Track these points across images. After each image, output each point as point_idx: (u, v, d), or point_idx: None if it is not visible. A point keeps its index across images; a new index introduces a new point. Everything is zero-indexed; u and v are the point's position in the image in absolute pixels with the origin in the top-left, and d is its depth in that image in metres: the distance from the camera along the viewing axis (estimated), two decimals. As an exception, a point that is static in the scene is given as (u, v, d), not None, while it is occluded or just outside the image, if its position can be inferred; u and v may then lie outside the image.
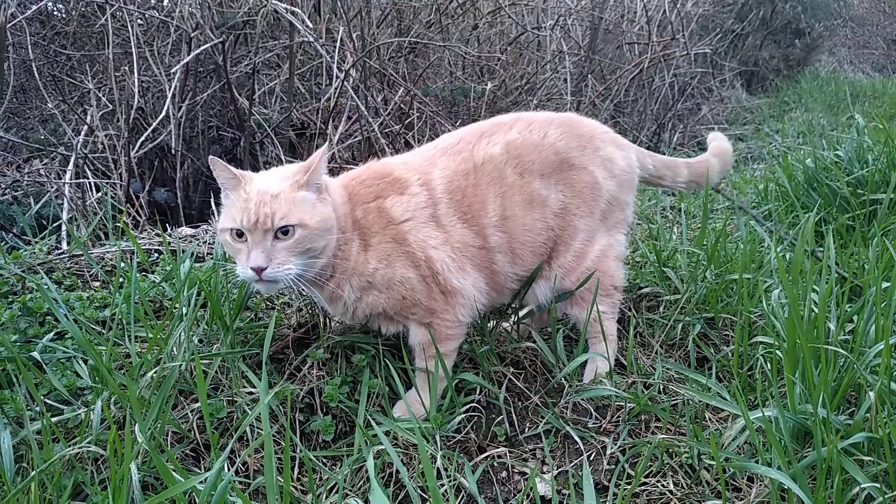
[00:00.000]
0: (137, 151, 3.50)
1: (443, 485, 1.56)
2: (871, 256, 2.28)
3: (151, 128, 3.49)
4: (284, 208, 1.54)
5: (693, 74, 6.54)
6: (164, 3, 4.14)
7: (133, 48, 3.42)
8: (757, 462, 1.47)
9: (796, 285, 1.89)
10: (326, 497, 1.54)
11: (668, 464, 1.61)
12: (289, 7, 3.44)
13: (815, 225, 2.57)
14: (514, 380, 1.93)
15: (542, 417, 1.81)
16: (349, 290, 1.70)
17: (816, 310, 1.72)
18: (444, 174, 1.78)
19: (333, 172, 3.80)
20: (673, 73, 6.03)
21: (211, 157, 1.62)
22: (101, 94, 3.75)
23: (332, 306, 1.78)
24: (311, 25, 3.62)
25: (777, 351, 1.71)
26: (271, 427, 1.66)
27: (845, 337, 1.84)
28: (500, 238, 1.81)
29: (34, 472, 1.34)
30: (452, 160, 1.81)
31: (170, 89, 3.44)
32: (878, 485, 1.34)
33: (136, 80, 3.40)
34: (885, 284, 1.89)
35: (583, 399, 1.85)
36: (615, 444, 1.70)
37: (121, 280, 2.16)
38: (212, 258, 2.12)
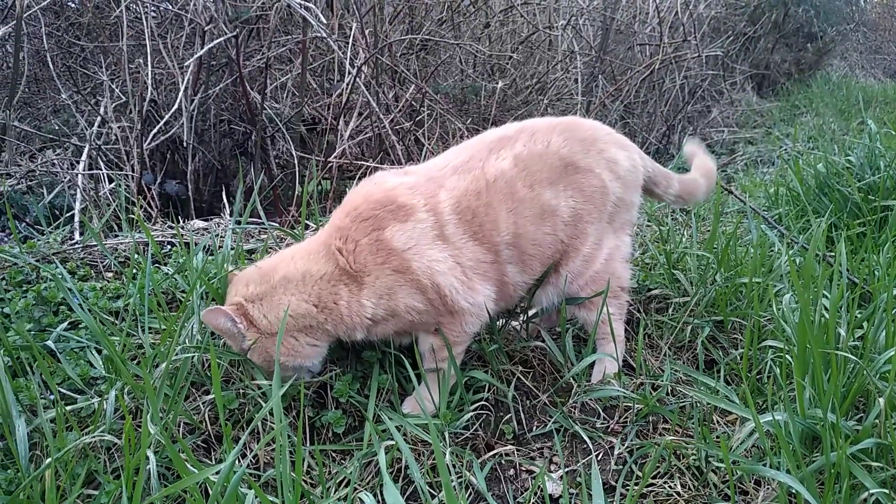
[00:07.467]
0: (150, 143, 3.52)
1: (451, 481, 1.57)
2: (881, 262, 2.28)
3: (164, 120, 3.51)
4: None
5: (704, 76, 6.53)
6: (179, -4, 4.16)
7: (147, 41, 3.44)
8: (766, 465, 1.48)
9: (807, 290, 1.89)
10: (335, 491, 1.55)
11: (675, 465, 1.62)
12: (302, 2, 3.45)
13: (826, 230, 2.57)
14: (522, 378, 1.94)
15: (551, 416, 1.82)
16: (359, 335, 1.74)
17: (827, 315, 1.73)
18: (454, 195, 1.73)
19: (343, 170, 3.84)
20: (684, 75, 6.02)
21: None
22: (114, 86, 3.77)
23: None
24: (324, 21, 3.63)
25: (787, 355, 1.71)
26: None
27: (855, 343, 1.84)
28: (511, 253, 1.79)
29: (49, 460, 1.35)
30: (463, 179, 1.76)
31: (182, 82, 3.46)
32: (886, 490, 1.35)
33: (149, 73, 3.42)
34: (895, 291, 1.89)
35: (591, 399, 1.86)
36: (623, 445, 1.71)
37: (134, 271, 2.17)
38: (222, 251, 2.13)
